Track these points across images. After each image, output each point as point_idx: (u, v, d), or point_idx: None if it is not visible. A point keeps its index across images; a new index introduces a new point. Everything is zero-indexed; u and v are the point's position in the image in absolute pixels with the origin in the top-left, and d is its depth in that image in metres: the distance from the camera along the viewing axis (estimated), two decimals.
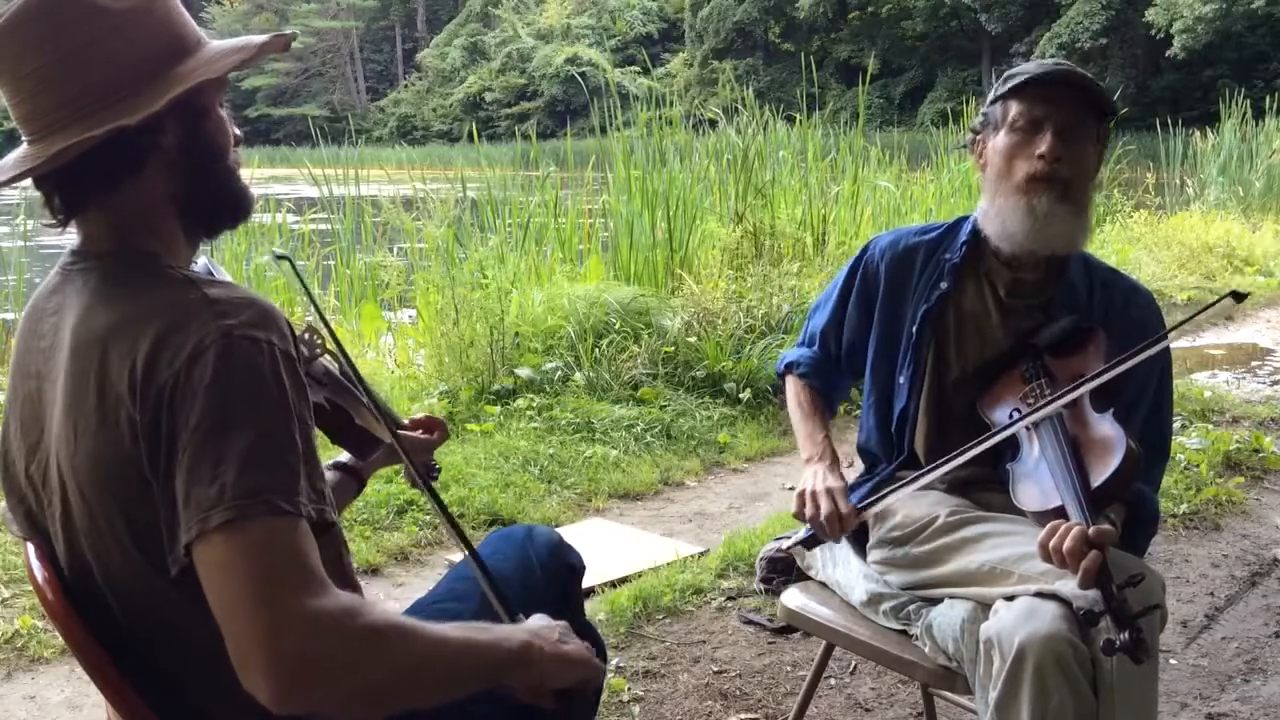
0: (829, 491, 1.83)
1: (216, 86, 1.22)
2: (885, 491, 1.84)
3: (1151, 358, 1.88)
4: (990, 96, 1.94)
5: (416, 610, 1.55)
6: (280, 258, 1.57)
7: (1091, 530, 1.52)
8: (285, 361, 1.10)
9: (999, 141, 1.88)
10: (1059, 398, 1.74)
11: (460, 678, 1.14)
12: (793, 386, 2.14)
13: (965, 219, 2.02)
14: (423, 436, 1.74)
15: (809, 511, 1.82)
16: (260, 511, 1.02)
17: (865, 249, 2.09)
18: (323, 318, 1.48)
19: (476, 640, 1.15)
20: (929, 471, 1.79)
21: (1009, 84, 1.88)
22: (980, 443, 1.76)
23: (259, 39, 1.22)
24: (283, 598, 1.00)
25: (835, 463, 1.94)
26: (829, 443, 1.99)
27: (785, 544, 2.35)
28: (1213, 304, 1.82)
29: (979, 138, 1.95)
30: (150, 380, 1.06)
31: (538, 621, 1.26)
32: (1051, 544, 1.55)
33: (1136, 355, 1.73)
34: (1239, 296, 1.78)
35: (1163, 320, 1.94)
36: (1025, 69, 1.89)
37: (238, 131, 1.28)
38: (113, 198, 1.19)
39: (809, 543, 1.89)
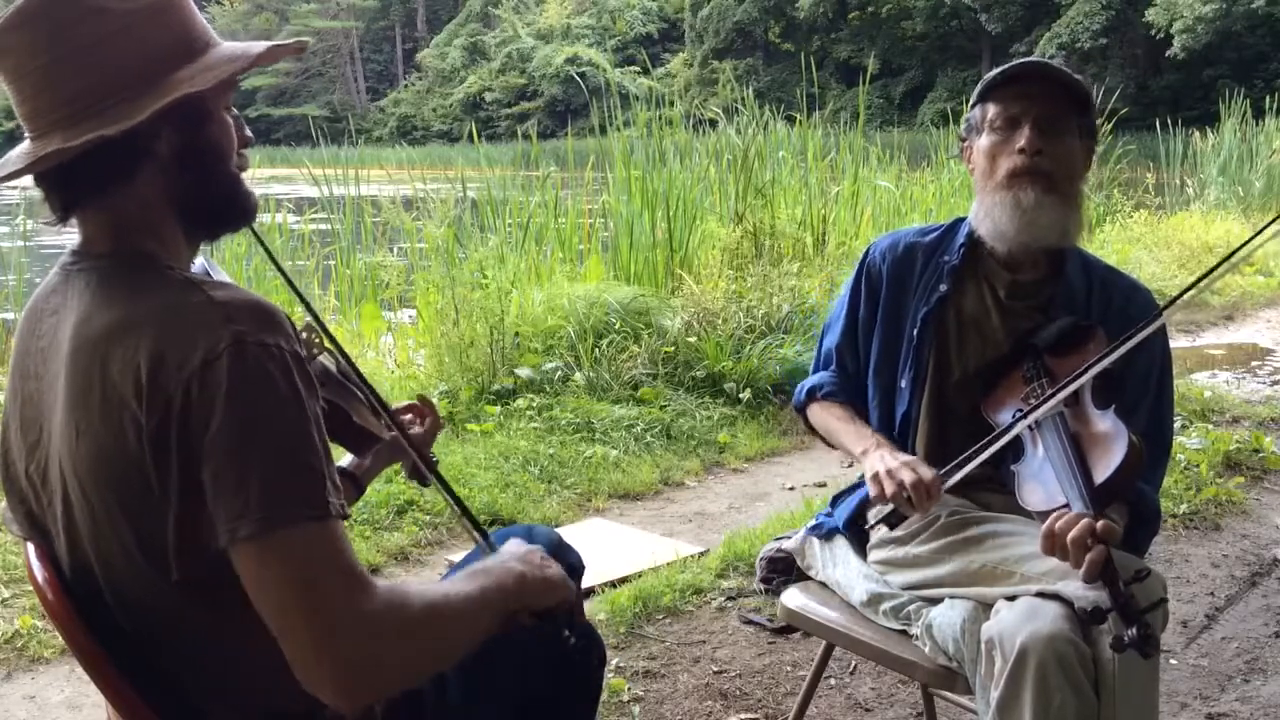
0: (907, 464, 1.77)
1: (221, 90, 1.21)
2: (963, 459, 1.77)
3: (1151, 358, 1.89)
4: (971, 101, 1.96)
5: None
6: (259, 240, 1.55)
7: (1099, 525, 1.52)
8: (295, 363, 1.10)
9: (982, 143, 1.90)
10: (1062, 388, 1.73)
11: (479, 628, 1.18)
12: (820, 408, 2.07)
13: (963, 220, 2.02)
14: (421, 429, 1.73)
15: (891, 489, 1.75)
16: (289, 520, 1.03)
17: (866, 255, 2.08)
18: (312, 312, 1.47)
19: (486, 587, 1.20)
20: (990, 444, 1.75)
21: (985, 85, 1.91)
22: (1000, 438, 1.75)
23: (258, 47, 1.21)
24: (332, 606, 1.03)
25: (893, 446, 1.89)
26: (878, 434, 1.94)
27: (786, 544, 2.34)
28: (1266, 227, 1.75)
29: (966, 144, 1.97)
30: (157, 384, 1.06)
31: (516, 546, 1.31)
32: (1058, 527, 1.54)
33: (1139, 332, 1.72)
34: None
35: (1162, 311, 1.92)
36: (1000, 69, 1.91)
37: (248, 133, 1.27)
38: (106, 200, 1.18)
39: (891, 519, 1.82)
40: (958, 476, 1.77)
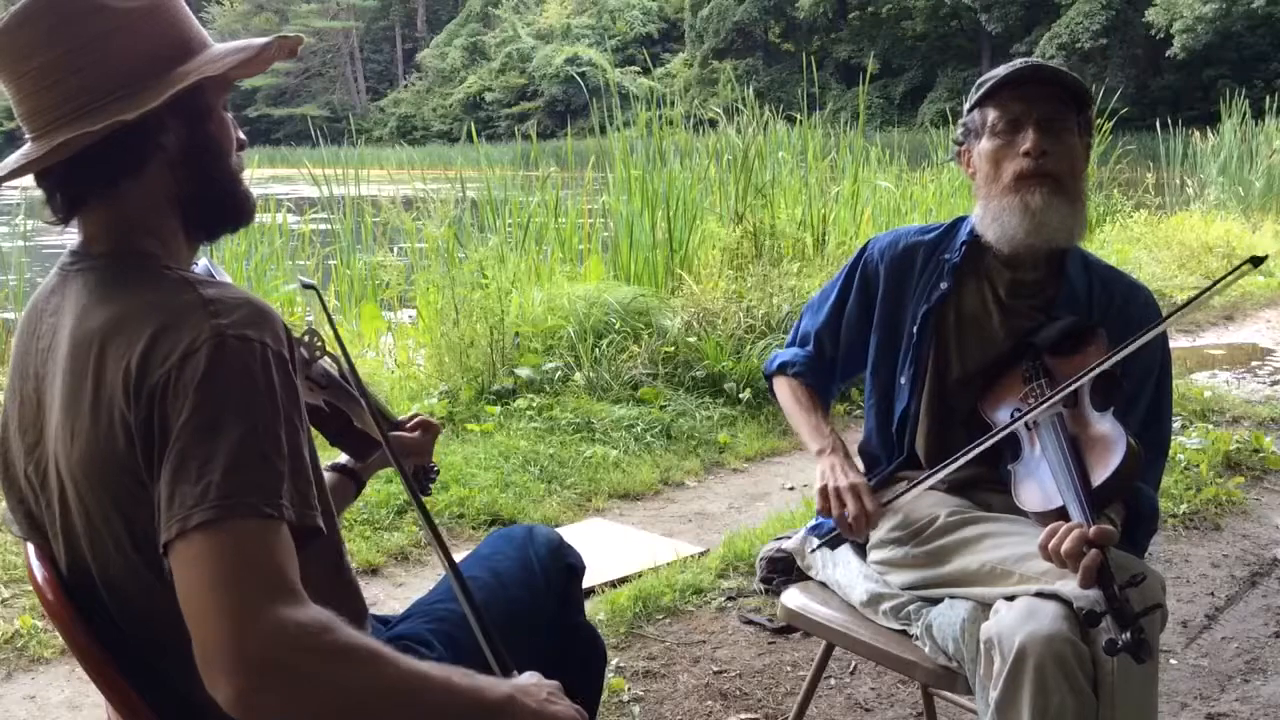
0: (853, 489, 1.83)
1: (219, 87, 1.22)
2: (905, 489, 1.83)
3: (1151, 357, 1.89)
4: (967, 105, 1.95)
5: (416, 610, 1.55)
6: (308, 287, 1.57)
7: (1092, 530, 1.52)
8: (277, 362, 1.09)
9: (983, 147, 1.89)
10: (1060, 391, 1.74)
11: (430, 715, 1.09)
12: (786, 385, 2.11)
13: (964, 219, 2.02)
14: (418, 436, 1.73)
15: (835, 512, 1.83)
16: (240, 513, 1.01)
17: (864, 249, 2.09)
18: (337, 335, 1.48)
19: (455, 683, 1.11)
20: (943, 468, 1.79)
21: (982, 90, 1.90)
22: (986, 440, 1.76)
23: (260, 41, 1.22)
24: (251, 602, 0.99)
25: (848, 454, 1.94)
26: (836, 435, 1.99)
27: (786, 544, 2.35)
28: (1233, 271, 1.77)
29: (963, 148, 1.97)
30: (144, 379, 1.06)
31: (529, 678, 1.21)
32: (1050, 545, 1.55)
33: (1138, 339, 1.73)
34: (1257, 261, 1.74)
35: (1162, 317, 1.93)
36: (996, 73, 1.91)
37: (241, 135, 1.28)
38: (112, 197, 1.18)
39: (834, 542, 1.90)
40: (901, 501, 1.84)
